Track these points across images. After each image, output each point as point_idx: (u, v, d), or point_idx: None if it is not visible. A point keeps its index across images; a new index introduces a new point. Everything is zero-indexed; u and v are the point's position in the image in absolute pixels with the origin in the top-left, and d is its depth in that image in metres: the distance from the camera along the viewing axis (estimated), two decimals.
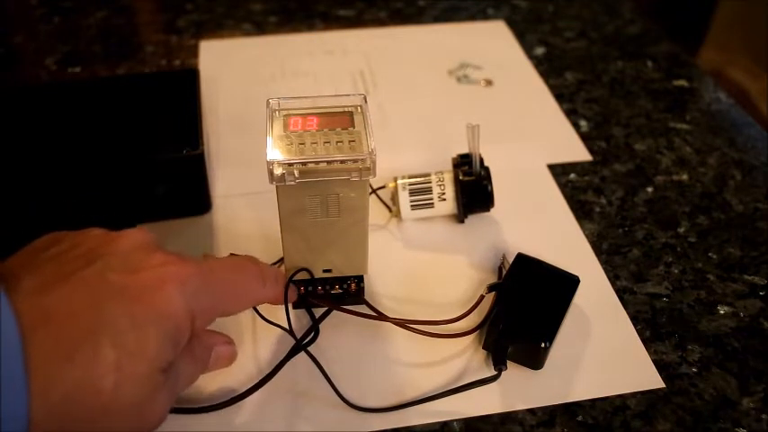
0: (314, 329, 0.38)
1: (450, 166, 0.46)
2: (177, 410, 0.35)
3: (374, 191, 0.47)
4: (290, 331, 0.37)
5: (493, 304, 0.39)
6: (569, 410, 0.36)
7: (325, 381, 0.36)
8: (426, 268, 0.44)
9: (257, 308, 0.39)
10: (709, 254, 0.46)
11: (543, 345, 0.36)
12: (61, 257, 0.28)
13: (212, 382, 0.36)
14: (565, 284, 0.39)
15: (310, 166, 0.33)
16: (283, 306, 0.37)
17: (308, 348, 0.37)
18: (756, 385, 0.38)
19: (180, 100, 0.48)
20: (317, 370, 0.36)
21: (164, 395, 0.28)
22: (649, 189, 0.51)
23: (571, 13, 0.73)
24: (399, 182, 0.45)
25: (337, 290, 0.39)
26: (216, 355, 0.34)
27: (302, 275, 0.38)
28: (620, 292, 0.43)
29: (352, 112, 0.36)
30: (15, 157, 0.44)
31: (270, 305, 0.39)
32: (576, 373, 0.38)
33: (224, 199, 0.48)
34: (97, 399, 0.25)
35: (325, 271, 0.38)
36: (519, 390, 0.37)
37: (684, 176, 0.52)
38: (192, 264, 0.30)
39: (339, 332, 0.39)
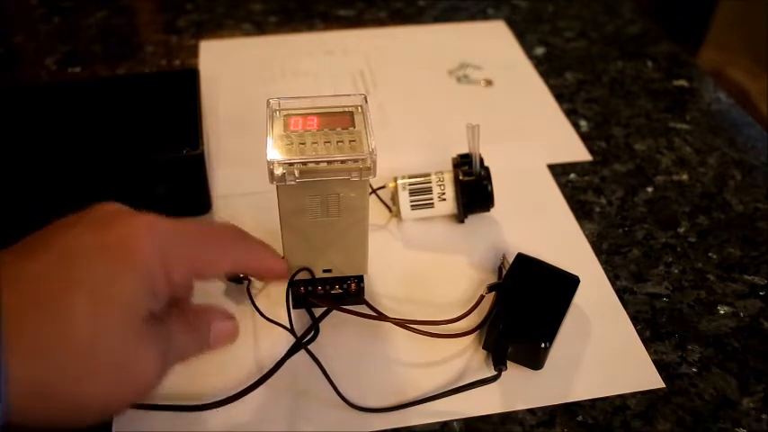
0: (314, 328, 0.38)
1: (450, 166, 0.46)
2: (177, 408, 0.35)
3: (374, 191, 0.47)
4: (291, 329, 0.37)
5: (493, 304, 0.39)
6: (569, 410, 0.36)
7: (325, 380, 0.36)
8: (426, 268, 0.44)
9: (258, 306, 0.39)
10: (709, 254, 0.46)
11: (543, 345, 0.36)
12: (40, 233, 0.29)
13: (213, 380, 0.36)
14: (565, 284, 0.39)
15: (310, 165, 0.33)
16: (284, 305, 0.38)
17: (308, 347, 0.37)
18: (756, 385, 0.38)
19: (180, 100, 0.48)
20: (318, 370, 0.36)
21: (148, 352, 0.28)
22: (649, 189, 0.51)
23: (571, 13, 0.73)
24: (399, 182, 0.45)
25: (337, 290, 0.39)
26: (216, 332, 0.33)
27: (303, 275, 0.38)
28: (620, 292, 0.43)
29: (352, 112, 0.36)
30: (15, 157, 0.44)
31: (270, 305, 0.39)
32: (575, 373, 0.38)
33: (224, 199, 0.48)
34: (75, 350, 0.25)
35: (325, 271, 0.38)
36: (519, 390, 0.37)
37: (684, 176, 0.52)
38: (165, 217, 0.30)
39: (339, 332, 0.39)
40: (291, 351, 0.37)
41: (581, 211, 0.49)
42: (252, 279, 0.41)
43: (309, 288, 0.39)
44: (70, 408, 0.26)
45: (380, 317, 0.38)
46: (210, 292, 0.41)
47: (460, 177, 0.44)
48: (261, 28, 0.68)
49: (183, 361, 0.31)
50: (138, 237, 0.28)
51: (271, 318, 0.38)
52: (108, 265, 0.27)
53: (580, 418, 0.36)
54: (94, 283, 0.26)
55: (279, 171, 0.33)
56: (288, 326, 0.37)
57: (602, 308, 0.42)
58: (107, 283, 0.26)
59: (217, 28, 0.68)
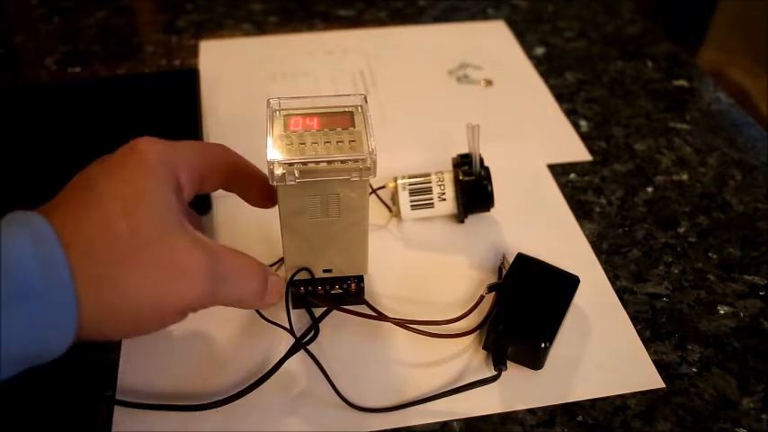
0: (314, 328, 0.38)
1: (450, 166, 0.46)
2: (177, 408, 0.35)
3: (374, 191, 0.47)
4: (291, 329, 0.37)
5: (493, 304, 0.39)
6: (569, 410, 0.36)
7: (325, 380, 0.36)
8: (426, 268, 0.44)
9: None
10: (709, 254, 0.46)
11: (543, 345, 0.36)
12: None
13: (213, 380, 0.36)
14: (565, 284, 0.39)
15: (311, 165, 0.33)
16: (284, 305, 0.37)
17: (308, 348, 0.37)
18: (756, 385, 0.38)
19: (180, 100, 0.48)
20: (317, 370, 0.36)
21: (189, 245, 0.30)
22: (649, 189, 0.51)
23: (571, 13, 0.73)
24: (399, 182, 0.45)
25: (337, 290, 0.39)
26: (273, 283, 0.34)
27: (302, 275, 0.38)
28: (620, 292, 0.43)
29: (352, 111, 0.36)
30: (15, 158, 0.44)
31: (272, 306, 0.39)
32: (575, 373, 0.38)
33: (224, 199, 0.48)
34: (118, 244, 0.28)
35: (325, 271, 0.38)
36: (519, 390, 0.37)
37: (684, 176, 0.52)
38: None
39: (339, 332, 0.39)
40: (291, 351, 0.37)
41: (581, 211, 0.49)
42: None
43: (309, 288, 0.39)
44: (125, 308, 0.28)
45: (380, 317, 0.38)
46: None
47: (460, 177, 0.44)
48: (261, 28, 0.68)
49: (237, 277, 0.32)
50: (137, 144, 0.32)
51: (270, 318, 0.38)
52: (120, 173, 0.30)
53: (580, 418, 0.36)
54: (114, 187, 0.29)
55: (279, 171, 0.33)
56: (287, 326, 0.37)
57: (602, 308, 0.42)
58: (125, 185, 0.29)
59: (217, 28, 0.68)
